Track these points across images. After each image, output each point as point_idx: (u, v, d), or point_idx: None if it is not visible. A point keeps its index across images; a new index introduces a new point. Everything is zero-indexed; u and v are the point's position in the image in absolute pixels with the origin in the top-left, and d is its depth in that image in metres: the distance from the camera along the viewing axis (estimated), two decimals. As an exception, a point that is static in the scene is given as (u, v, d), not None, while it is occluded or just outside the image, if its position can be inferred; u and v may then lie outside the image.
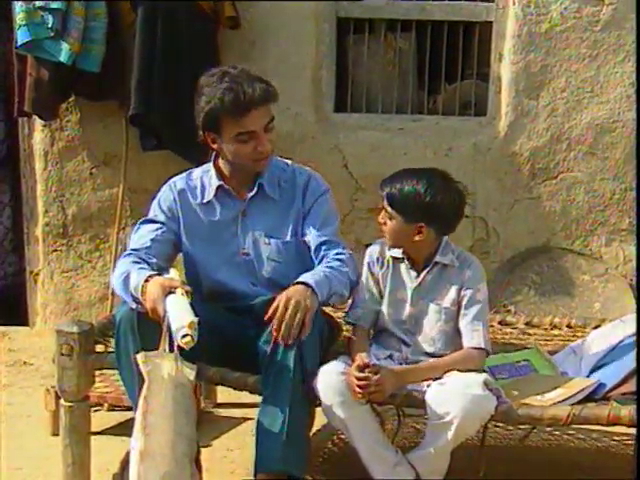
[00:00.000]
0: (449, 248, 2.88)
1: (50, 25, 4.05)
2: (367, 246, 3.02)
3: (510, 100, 4.45)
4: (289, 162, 3.07)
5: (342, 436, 3.18)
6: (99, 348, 3.03)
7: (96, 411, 3.59)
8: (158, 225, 2.97)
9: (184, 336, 2.56)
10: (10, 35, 4.28)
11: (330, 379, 2.67)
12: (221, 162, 2.99)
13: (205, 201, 2.99)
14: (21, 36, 4.10)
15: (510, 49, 4.41)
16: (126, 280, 2.78)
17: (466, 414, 2.57)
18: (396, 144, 4.51)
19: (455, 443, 2.63)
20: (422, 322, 2.86)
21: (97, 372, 3.06)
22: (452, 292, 2.83)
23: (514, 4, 4.38)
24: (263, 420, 2.71)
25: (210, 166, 3.01)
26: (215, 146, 2.92)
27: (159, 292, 2.67)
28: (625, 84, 4.39)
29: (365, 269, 2.94)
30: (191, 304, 2.66)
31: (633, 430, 2.65)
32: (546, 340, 3.28)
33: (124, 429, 3.18)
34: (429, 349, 2.85)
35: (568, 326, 3.36)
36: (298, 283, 2.74)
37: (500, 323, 3.41)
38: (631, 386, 2.73)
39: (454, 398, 2.58)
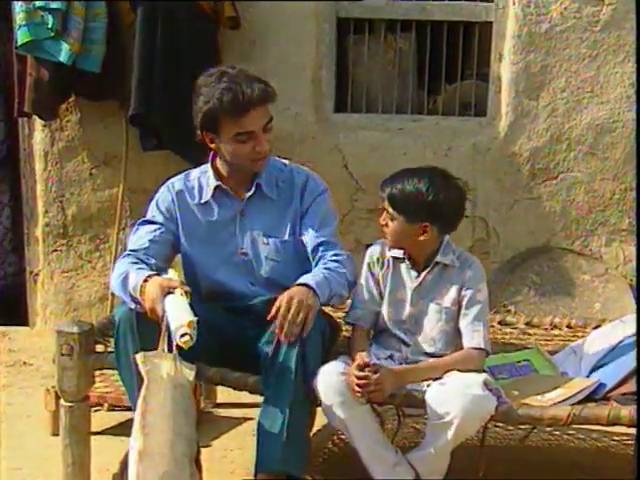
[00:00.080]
0: (450, 248, 2.88)
1: (50, 25, 4.05)
2: (367, 246, 3.02)
3: (510, 100, 4.45)
4: (287, 162, 3.07)
5: (342, 436, 3.18)
6: (99, 348, 3.03)
7: (96, 411, 3.59)
8: (156, 226, 2.97)
9: (183, 335, 2.56)
10: (10, 35, 4.28)
11: (330, 379, 2.67)
12: (219, 162, 2.99)
13: (203, 201, 2.99)
14: (21, 36, 4.10)
15: (510, 49, 4.41)
16: (125, 280, 2.78)
17: (466, 414, 2.57)
18: (396, 144, 4.51)
19: (455, 443, 2.63)
20: (422, 322, 2.86)
21: (97, 372, 3.07)
22: (453, 292, 2.83)
23: (514, 4, 4.38)
24: (264, 420, 2.71)
25: (208, 166, 3.01)
26: (213, 146, 2.92)
27: (158, 292, 2.67)
28: (625, 84, 4.38)
29: (365, 269, 2.94)
30: (190, 304, 2.66)
31: (633, 430, 2.65)
32: (546, 340, 3.28)
33: (124, 429, 3.18)
34: (429, 349, 2.85)
35: (568, 326, 3.37)
36: (299, 285, 2.74)
37: (500, 323, 3.41)
38: (631, 386, 2.73)
39: (454, 398, 2.58)
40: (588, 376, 2.89)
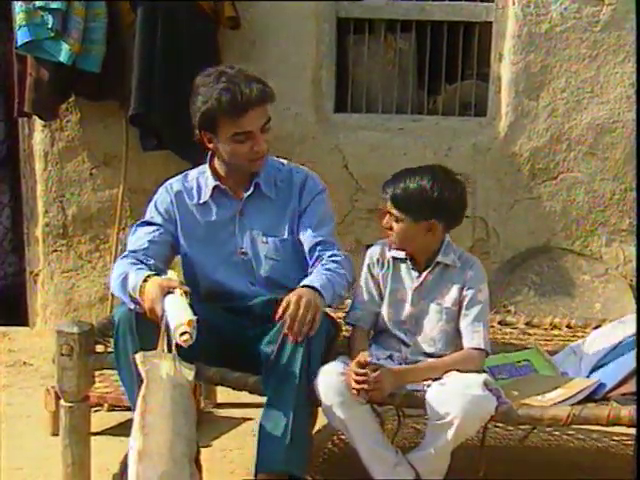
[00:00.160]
0: (451, 248, 2.88)
1: (50, 25, 4.05)
2: (368, 246, 3.02)
3: (510, 100, 4.45)
4: (285, 162, 3.07)
5: (342, 436, 3.18)
6: (99, 348, 3.02)
7: (96, 411, 3.58)
8: (155, 227, 2.97)
9: (183, 334, 2.56)
10: (10, 35, 4.28)
11: (330, 379, 2.67)
12: (217, 162, 2.99)
13: (202, 202, 2.99)
14: (21, 36, 4.10)
15: (510, 49, 4.41)
16: (124, 281, 2.78)
17: (466, 414, 2.57)
18: (396, 144, 4.51)
19: (455, 443, 2.63)
20: (423, 322, 2.86)
21: (97, 372, 3.07)
22: (453, 292, 2.84)
23: (514, 4, 4.38)
24: (267, 421, 2.71)
25: (206, 167, 3.01)
26: (211, 146, 2.92)
27: (157, 292, 2.67)
28: (625, 84, 4.38)
29: (365, 270, 2.95)
30: (190, 304, 2.66)
31: (633, 430, 2.65)
32: (546, 340, 3.28)
33: (124, 429, 3.17)
34: (429, 349, 2.85)
35: (568, 326, 3.37)
36: (304, 286, 2.74)
37: (500, 323, 3.41)
38: (631, 386, 2.73)
39: (454, 398, 2.58)
40: (588, 376, 2.89)
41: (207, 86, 2.84)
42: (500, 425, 3.33)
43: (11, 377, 4.20)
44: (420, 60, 4.64)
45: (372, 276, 2.94)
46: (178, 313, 2.61)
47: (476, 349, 2.79)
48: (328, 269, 2.84)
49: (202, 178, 3.02)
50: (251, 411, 3.63)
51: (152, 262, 2.87)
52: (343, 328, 3.07)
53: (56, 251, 4.76)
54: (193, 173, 3.06)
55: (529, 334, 3.35)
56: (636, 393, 2.65)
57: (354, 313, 2.93)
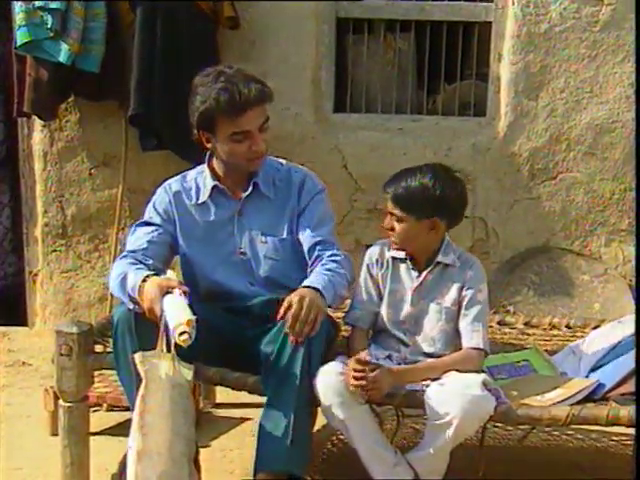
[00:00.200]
0: (450, 248, 2.88)
1: (50, 25, 4.05)
2: (367, 246, 3.02)
3: (509, 100, 4.45)
4: (283, 162, 3.08)
5: (341, 436, 3.18)
6: (98, 348, 3.02)
7: (95, 411, 3.59)
8: (154, 227, 2.97)
9: (182, 334, 2.56)
10: (10, 35, 4.28)
11: (329, 379, 2.67)
12: (215, 162, 2.99)
13: (200, 202, 2.99)
14: (20, 36, 4.10)
15: (509, 49, 4.41)
16: (123, 281, 2.78)
17: (465, 414, 2.57)
18: (395, 144, 4.51)
19: (454, 443, 2.64)
20: (422, 322, 2.86)
21: (96, 372, 3.07)
22: (453, 292, 2.84)
23: (513, 4, 4.38)
24: (267, 421, 2.71)
25: (204, 167, 3.02)
26: (209, 145, 2.93)
27: (156, 292, 2.67)
28: (624, 84, 4.38)
29: (364, 270, 2.95)
30: (189, 303, 2.66)
31: (632, 430, 2.65)
32: (545, 340, 3.28)
33: (123, 429, 3.18)
34: (428, 349, 2.85)
35: (567, 326, 3.37)
36: (305, 287, 2.74)
37: (499, 323, 3.41)
38: (630, 386, 2.73)
39: (453, 398, 2.58)
40: (587, 376, 2.90)
41: (205, 86, 2.84)
42: (499, 425, 3.33)
43: (10, 377, 4.20)
44: (419, 60, 4.64)
45: (371, 276, 2.94)
46: (177, 313, 2.61)
47: (475, 349, 2.79)
48: (329, 269, 2.84)
49: (201, 178, 3.02)
50: (250, 411, 3.63)
51: (151, 262, 2.87)
52: (342, 328, 3.08)
53: (55, 251, 4.76)
54: (192, 173, 3.06)
55: (528, 334, 3.35)
56: (635, 393, 2.65)
57: (353, 313, 2.93)
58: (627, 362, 2.81)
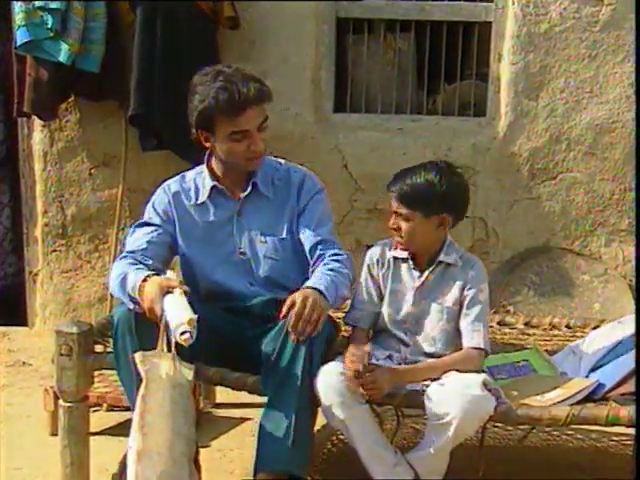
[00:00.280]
0: (452, 248, 2.88)
1: (50, 25, 4.05)
2: (367, 246, 3.02)
3: (509, 100, 4.45)
4: (282, 161, 3.08)
5: (341, 436, 3.18)
6: (98, 348, 3.02)
7: (95, 411, 3.59)
8: (153, 228, 2.97)
9: (183, 333, 2.56)
10: (10, 35, 4.28)
11: (330, 379, 2.67)
12: (214, 162, 2.99)
13: (199, 202, 2.99)
14: (20, 36, 4.10)
15: (509, 49, 4.41)
16: (123, 281, 2.78)
17: (465, 414, 2.57)
18: (395, 144, 4.51)
19: (454, 443, 2.63)
20: (423, 322, 2.86)
21: (96, 372, 3.07)
22: (455, 291, 2.84)
23: (513, 4, 4.38)
24: (268, 421, 2.71)
25: (203, 167, 3.02)
26: (208, 145, 2.93)
27: (157, 292, 2.67)
28: (624, 84, 4.39)
29: (365, 270, 2.95)
30: (190, 303, 2.66)
31: (632, 430, 2.65)
32: (545, 340, 3.28)
33: (123, 429, 3.18)
34: (429, 349, 2.85)
35: (567, 326, 3.37)
36: (308, 288, 2.74)
37: (499, 323, 3.41)
38: (630, 386, 2.73)
39: (453, 398, 2.58)
40: (587, 376, 2.90)
41: (204, 85, 2.83)
42: (499, 425, 3.34)
43: (10, 377, 4.20)
44: (419, 60, 4.64)
45: (372, 276, 2.94)
46: (178, 312, 2.62)
47: (476, 349, 2.79)
48: (331, 269, 2.84)
49: (199, 179, 3.02)
50: (250, 411, 3.63)
51: (151, 263, 2.87)
52: (342, 328, 3.08)
53: (55, 251, 4.76)
54: (190, 174, 3.06)
55: (528, 334, 3.35)
56: (635, 393, 2.65)
57: (353, 313, 2.93)
58: (627, 362, 2.81)
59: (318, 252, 2.91)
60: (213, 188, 2.98)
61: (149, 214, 3.01)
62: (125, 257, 2.90)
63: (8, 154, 4.94)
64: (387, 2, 4.55)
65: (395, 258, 2.91)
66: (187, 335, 2.56)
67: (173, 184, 3.04)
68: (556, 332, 3.35)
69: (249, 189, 2.97)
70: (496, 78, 4.49)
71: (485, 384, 2.63)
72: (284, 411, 2.67)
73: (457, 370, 2.70)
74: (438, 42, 4.55)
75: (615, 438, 3.42)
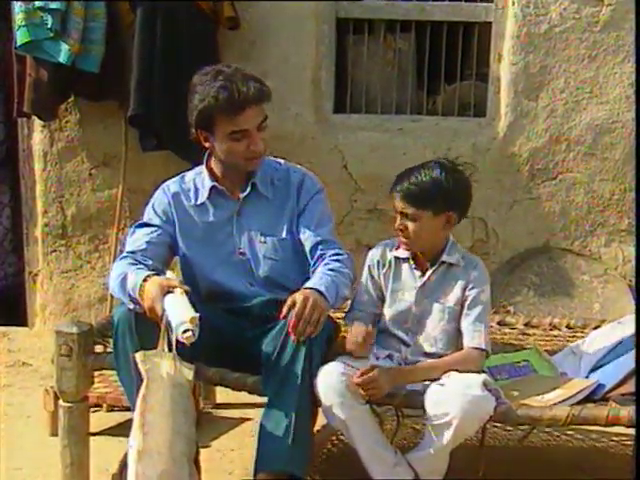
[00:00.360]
0: (455, 248, 2.88)
1: (49, 26, 4.05)
2: (367, 246, 3.02)
3: (509, 101, 4.45)
4: (282, 161, 3.07)
5: (342, 436, 3.18)
6: (98, 349, 3.03)
7: (95, 412, 3.59)
8: (153, 228, 2.97)
9: (185, 331, 2.56)
10: (10, 35, 4.27)
11: (330, 379, 2.67)
12: (213, 163, 2.99)
13: (199, 203, 2.99)
14: (20, 36, 4.09)
15: (509, 50, 4.41)
16: (123, 281, 2.78)
17: (465, 415, 2.57)
18: (395, 145, 4.51)
19: (454, 443, 2.63)
20: (425, 322, 2.86)
21: (96, 373, 3.06)
22: (457, 291, 2.83)
23: (513, 5, 4.38)
24: (268, 421, 2.71)
25: (202, 168, 3.02)
26: (207, 145, 2.93)
27: (157, 291, 2.67)
28: (624, 85, 4.39)
29: (366, 271, 2.95)
30: (191, 302, 2.66)
31: (632, 430, 2.65)
32: (545, 341, 3.28)
33: (123, 429, 3.18)
34: (430, 349, 2.85)
35: (567, 327, 3.37)
36: (308, 288, 2.73)
37: (499, 324, 3.41)
38: (630, 387, 2.73)
39: (453, 399, 2.58)
40: (587, 376, 2.90)
41: (204, 84, 2.83)
42: (499, 425, 3.34)
43: (10, 377, 4.20)
44: (419, 60, 4.64)
45: (372, 277, 2.93)
46: (179, 311, 2.62)
47: (476, 349, 2.78)
48: (332, 269, 2.84)
49: (199, 179, 3.02)
50: (250, 411, 3.64)
51: (150, 263, 2.87)
52: (343, 329, 3.08)
53: (55, 251, 4.76)
54: (190, 174, 3.06)
55: (528, 334, 3.35)
56: (635, 393, 2.65)
57: (353, 314, 2.93)
58: (627, 362, 2.81)
59: (318, 252, 2.91)
60: (212, 188, 2.98)
61: (149, 215, 3.01)
62: (125, 257, 2.90)
63: (8, 154, 4.93)
64: (387, 2, 4.55)
65: (396, 258, 2.91)
66: (189, 333, 2.56)
67: (172, 185, 3.04)
68: (556, 332, 3.35)
69: (248, 189, 2.97)
70: (496, 78, 4.49)
71: (485, 384, 2.63)
72: (284, 411, 2.67)
73: (457, 370, 2.70)
74: (438, 42, 4.55)
75: (615, 438, 3.42)
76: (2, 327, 4.77)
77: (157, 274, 2.78)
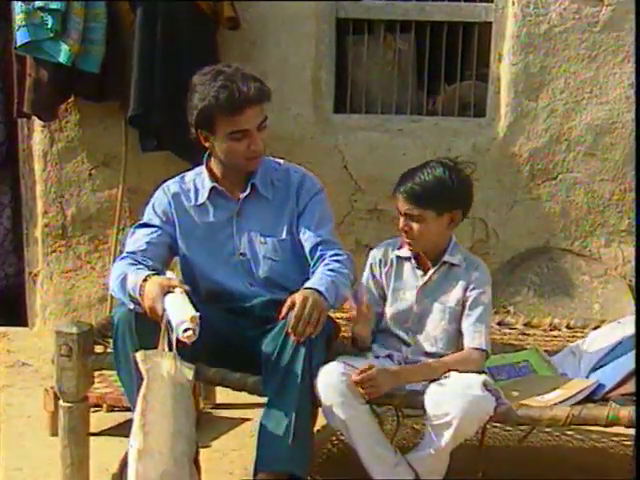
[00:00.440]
0: (457, 248, 2.89)
1: (50, 26, 4.05)
2: (367, 246, 3.02)
3: (509, 101, 4.45)
4: (282, 162, 3.07)
5: (342, 436, 3.17)
6: (98, 349, 3.03)
7: (95, 412, 3.58)
8: (153, 229, 2.97)
9: (186, 330, 2.56)
10: (10, 35, 4.28)
11: (330, 379, 2.67)
12: (213, 163, 2.99)
13: (199, 203, 2.99)
14: (20, 37, 4.09)
15: (509, 50, 4.41)
16: (123, 281, 2.78)
17: (465, 415, 2.57)
18: (395, 145, 4.51)
19: (454, 444, 2.63)
20: (425, 321, 2.86)
21: (96, 373, 3.07)
22: (458, 292, 2.84)
23: (513, 5, 4.38)
24: (268, 420, 2.71)
25: (202, 168, 3.02)
26: (207, 144, 2.92)
27: (158, 291, 2.67)
28: (624, 85, 4.39)
29: (367, 270, 2.95)
30: (191, 301, 2.66)
31: (632, 431, 2.65)
32: (545, 341, 3.28)
33: (123, 430, 3.18)
34: (430, 349, 2.85)
35: (567, 327, 3.37)
36: (308, 289, 2.73)
37: (499, 324, 3.41)
38: (630, 387, 2.73)
39: (453, 399, 2.58)
40: (587, 377, 2.90)
41: (204, 84, 2.83)
42: (499, 425, 3.34)
43: (10, 377, 4.19)
44: (419, 60, 4.64)
45: (373, 276, 2.94)
46: (180, 311, 2.62)
47: (477, 349, 2.79)
48: (332, 270, 2.84)
49: (199, 180, 3.02)
50: (250, 411, 3.63)
51: (150, 263, 2.87)
52: (342, 328, 3.08)
53: (55, 252, 4.76)
54: (190, 175, 3.06)
55: (528, 335, 3.35)
56: (635, 394, 2.65)
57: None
58: (627, 363, 2.81)
59: (318, 253, 2.91)
60: (212, 189, 2.98)
61: (149, 215, 3.01)
62: (125, 258, 2.90)
63: (8, 154, 4.93)
64: (387, 2, 4.55)
65: (398, 257, 2.91)
66: (190, 332, 2.56)
67: (172, 185, 3.04)
68: (556, 333, 3.35)
69: (248, 190, 2.97)
70: (496, 79, 4.49)
71: (485, 385, 2.63)
72: (284, 411, 2.67)
73: (457, 370, 2.70)
74: (438, 42, 4.55)
75: (615, 438, 3.42)
76: (2, 327, 4.77)
77: (157, 274, 2.78)
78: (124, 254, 2.94)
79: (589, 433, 3.45)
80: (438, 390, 2.63)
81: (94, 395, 3.54)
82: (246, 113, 2.82)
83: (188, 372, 2.67)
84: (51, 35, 4.07)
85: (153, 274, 2.76)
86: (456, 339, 2.84)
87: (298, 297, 2.67)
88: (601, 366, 2.92)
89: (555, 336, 3.33)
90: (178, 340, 2.61)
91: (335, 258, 2.89)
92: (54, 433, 3.37)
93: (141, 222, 3.02)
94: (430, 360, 2.81)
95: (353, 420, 2.68)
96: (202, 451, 2.94)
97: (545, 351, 3.12)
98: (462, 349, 2.81)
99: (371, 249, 3.02)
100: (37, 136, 4.66)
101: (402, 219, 2.82)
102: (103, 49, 4.20)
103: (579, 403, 2.70)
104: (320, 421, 2.90)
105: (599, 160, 4.46)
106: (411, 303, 2.87)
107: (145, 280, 2.72)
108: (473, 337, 2.80)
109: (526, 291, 4.42)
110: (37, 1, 4.05)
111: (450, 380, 2.66)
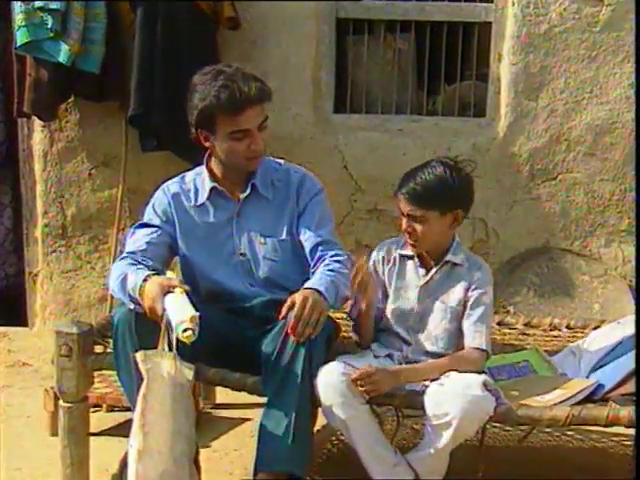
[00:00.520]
0: (460, 248, 2.89)
1: (50, 26, 4.05)
2: (367, 246, 3.02)
3: (509, 101, 4.45)
4: (282, 162, 3.07)
5: (341, 436, 3.18)
6: (98, 349, 3.03)
7: (95, 412, 3.59)
8: (153, 229, 2.97)
9: (185, 330, 2.56)
10: (10, 35, 4.27)
11: (330, 379, 2.67)
12: (213, 163, 2.99)
13: (199, 203, 2.99)
14: (20, 37, 4.10)
15: (509, 50, 4.41)
16: (123, 281, 2.78)
17: (465, 415, 2.56)
18: (395, 145, 4.51)
19: (454, 444, 2.63)
20: (427, 320, 2.86)
21: (96, 373, 3.07)
22: (459, 291, 2.84)
23: (513, 5, 4.39)
24: (268, 420, 2.70)
25: (203, 168, 3.01)
26: (208, 144, 2.92)
27: (158, 291, 2.67)
28: (624, 85, 4.39)
29: (370, 268, 2.94)
30: (191, 301, 2.66)
31: (632, 431, 2.65)
32: (545, 341, 3.28)
33: (123, 430, 3.18)
34: (431, 348, 2.85)
35: (567, 327, 3.37)
36: (308, 289, 2.73)
37: (499, 324, 3.41)
38: (630, 387, 2.73)
39: (453, 399, 2.58)
40: (587, 377, 2.90)
41: (205, 84, 2.83)
42: (499, 425, 3.33)
43: (10, 377, 4.19)
44: (419, 60, 4.64)
45: (376, 274, 2.93)
46: (180, 310, 2.62)
47: (477, 349, 2.79)
48: (332, 270, 2.83)
49: (199, 180, 3.02)
50: (250, 412, 3.63)
51: (150, 263, 2.87)
52: (343, 328, 3.08)
53: (55, 252, 4.76)
54: (190, 175, 3.06)
55: (528, 335, 3.35)
56: (635, 394, 2.65)
57: (358, 307, 2.91)
58: (627, 363, 2.81)
59: (319, 253, 2.91)
60: (213, 189, 2.98)
61: (149, 215, 3.01)
62: (125, 258, 2.90)
63: (8, 154, 4.93)
64: (387, 2, 4.55)
65: (401, 256, 2.91)
66: (189, 332, 2.56)
67: (172, 185, 3.04)
68: (556, 333, 3.35)
69: (248, 190, 2.97)
70: (496, 78, 4.49)
71: (485, 384, 2.63)
72: (284, 411, 2.67)
73: (457, 370, 2.70)
74: (438, 42, 4.55)
75: (615, 438, 3.42)
76: (2, 327, 4.77)
77: (157, 274, 2.78)
78: (124, 254, 2.94)
79: (589, 433, 3.45)
80: (438, 390, 2.63)
81: (94, 395, 3.54)
82: (247, 113, 2.82)
83: (188, 372, 2.67)
84: (51, 35, 4.07)
85: (153, 274, 2.76)
86: (457, 339, 2.84)
87: (298, 297, 2.67)
88: (601, 366, 2.92)
89: (555, 336, 3.32)
90: (178, 340, 2.60)
91: (335, 258, 2.89)
92: (54, 433, 3.37)
93: (141, 222, 3.02)
94: (430, 360, 2.81)
95: (353, 420, 2.68)
96: (202, 451, 2.94)
97: (545, 351, 3.12)
98: (462, 349, 2.81)
99: (371, 249, 3.01)
100: (37, 136, 4.66)
101: (405, 220, 2.81)
102: (103, 49, 4.20)
103: (579, 403, 2.70)
104: (320, 421, 2.90)
105: (599, 160, 4.46)
106: (413, 302, 2.87)
107: (145, 280, 2.72)
108: (474, 337, 2.80)
109: (526, 291, 4.42)
110: (37, 1, 4.05)
111: (450, 380, 2.66)
